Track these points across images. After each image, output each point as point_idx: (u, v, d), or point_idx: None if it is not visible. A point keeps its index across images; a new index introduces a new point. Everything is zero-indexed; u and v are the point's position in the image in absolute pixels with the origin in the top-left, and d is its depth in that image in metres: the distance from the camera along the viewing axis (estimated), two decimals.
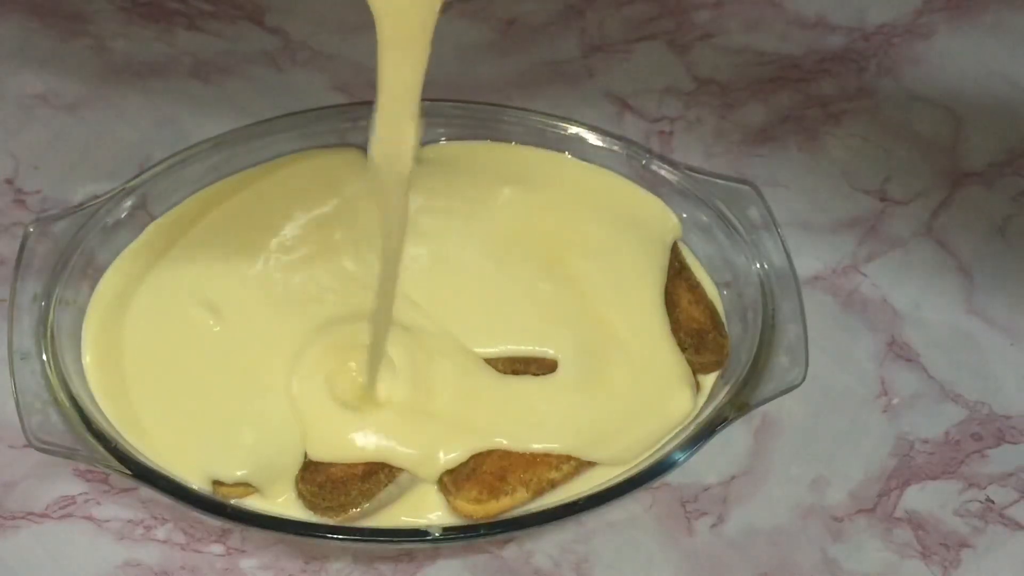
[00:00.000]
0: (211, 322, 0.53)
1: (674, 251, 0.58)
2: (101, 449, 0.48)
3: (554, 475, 0.51)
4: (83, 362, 0.52)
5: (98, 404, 0.50)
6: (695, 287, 0.57)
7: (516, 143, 0.60)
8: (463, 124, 0.60)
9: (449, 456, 0.50)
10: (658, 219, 0.58)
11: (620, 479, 0.50)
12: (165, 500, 0.49)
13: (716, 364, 0.55)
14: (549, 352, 0.54)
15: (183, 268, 0.55)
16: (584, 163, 0.60)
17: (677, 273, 0.57)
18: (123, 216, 0.55)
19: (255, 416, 0.51)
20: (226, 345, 0.53)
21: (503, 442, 0.51)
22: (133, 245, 0.56)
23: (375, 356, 0.50)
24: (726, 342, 0.55)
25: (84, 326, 0.53)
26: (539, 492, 0.50)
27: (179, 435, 0.50)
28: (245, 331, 0.53)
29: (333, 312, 0.54)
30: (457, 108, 0.61)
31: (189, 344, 0.53)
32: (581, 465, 0.51)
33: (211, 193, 0.58)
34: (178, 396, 0.51)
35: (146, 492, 0.50)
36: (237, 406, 0.51)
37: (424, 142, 0.60)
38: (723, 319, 0.56)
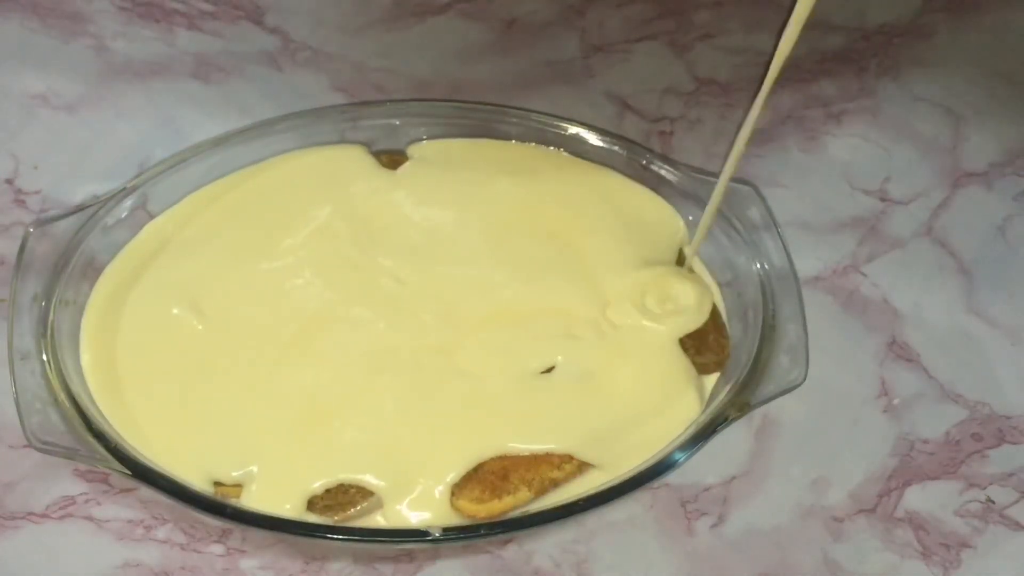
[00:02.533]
0: (194, 322, 0.53)
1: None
2: (101, 449, 0.48)
3: (556, 474, 0.51)
4: (82, 362, 0.52)
5: (97, 404, 0.50)
6: None
7: (515, 141, 0.60)
8: (463, 124, 0.60)
9: (450, 476, 0.50)
10: (665, 222, 0.58)
11: (620, 479, 0.50)
12: (165, 500, 0.49)
13: (717, 365, 0.55)
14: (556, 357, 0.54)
15: (174, 268, 0.55)
16: (586, 161, 0.60)
17: None
18: (123, 216, 0.55)
19: (253, 415, 0.51)
20: (210, 345, 0.53)
21: (508, 447, 0.51)
22: (130, 245, 0.56)
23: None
24: (727, 343, 0.55)
25: (82, 326, 0.53)
26: (541, 491, 0.50)
27: (176, 435, 0.50)
28: (229, 330, 0.53)
29: (324, 308, 0.54)
30: (457, 108, 0.61)
31: (176, 345, 0.53)
32: (584, 464, 0.51)
33: (207, 192, 0.58)
34: (171, 396, 0.51)
35: (146, 492, 0.50)
36: (234, 405, 0.51)
37: (421, 139, 0.60)
38: (724, 320, 0.56)
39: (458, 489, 0.50)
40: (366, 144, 0.60)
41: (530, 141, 0.60)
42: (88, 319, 0.53)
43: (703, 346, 0.55)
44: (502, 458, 0.50)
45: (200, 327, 0.53)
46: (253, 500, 0.49)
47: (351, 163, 0.59)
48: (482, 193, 0.58)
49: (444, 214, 0.57)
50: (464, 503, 0.49)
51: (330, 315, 0.54)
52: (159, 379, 0.52)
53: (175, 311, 0.53)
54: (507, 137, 0.60)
